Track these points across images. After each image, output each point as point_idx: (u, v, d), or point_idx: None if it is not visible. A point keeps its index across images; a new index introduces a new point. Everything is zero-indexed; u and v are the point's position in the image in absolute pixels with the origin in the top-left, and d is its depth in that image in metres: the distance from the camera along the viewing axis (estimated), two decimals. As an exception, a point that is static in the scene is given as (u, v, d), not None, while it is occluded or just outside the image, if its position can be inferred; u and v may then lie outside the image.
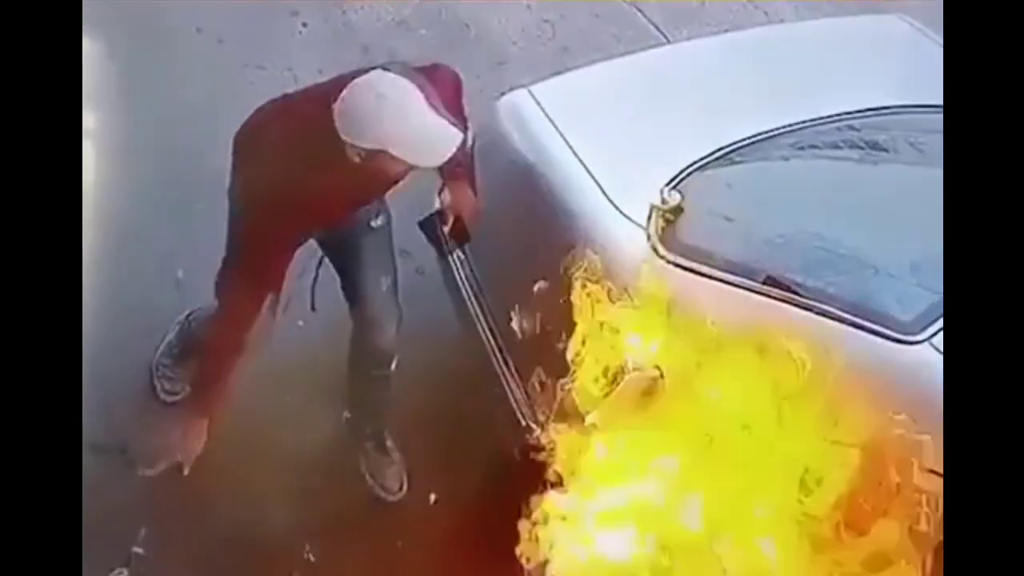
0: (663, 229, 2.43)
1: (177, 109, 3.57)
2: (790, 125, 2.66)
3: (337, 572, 2.85)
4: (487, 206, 2.71)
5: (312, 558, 2.84)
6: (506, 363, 2.73)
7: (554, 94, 2.80)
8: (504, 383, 2.72)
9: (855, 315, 2.20)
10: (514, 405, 2.69)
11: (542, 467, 2.30)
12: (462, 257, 2.80)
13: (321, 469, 2.97)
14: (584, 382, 2.30)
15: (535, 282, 2.49)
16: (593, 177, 2.58)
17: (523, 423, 2.59)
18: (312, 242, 2.67)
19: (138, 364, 3.08)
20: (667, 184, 2.46)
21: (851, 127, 2.66)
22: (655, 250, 2.41)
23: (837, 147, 2.67)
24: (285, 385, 3.06)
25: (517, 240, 2.71)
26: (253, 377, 2.73)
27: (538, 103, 2.77)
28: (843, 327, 2.21)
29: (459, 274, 2.86)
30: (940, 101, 2.70)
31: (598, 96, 2.80)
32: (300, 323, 3.08)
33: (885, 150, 2.67)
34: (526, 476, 2.32)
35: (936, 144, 2.63)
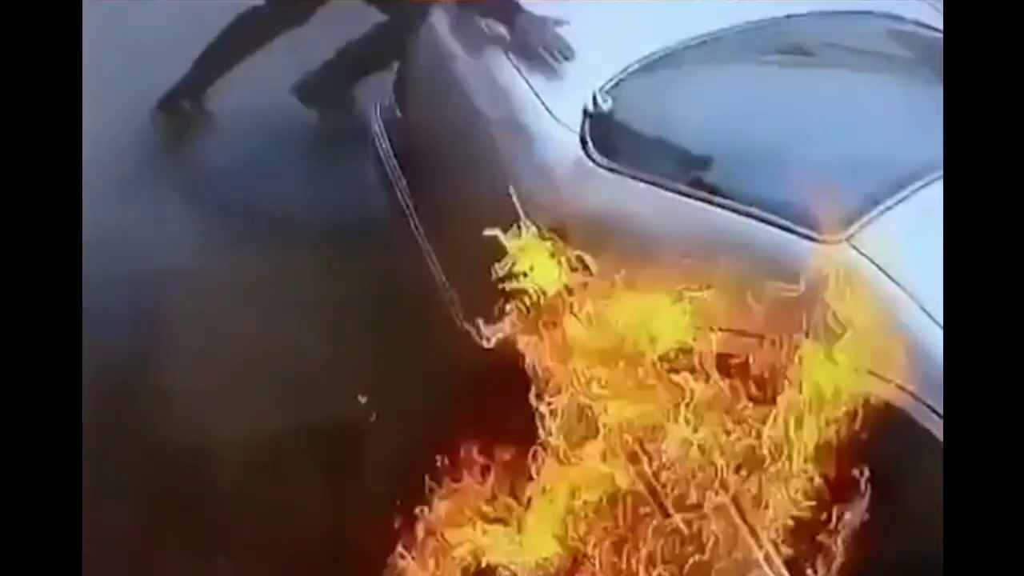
0: (596, 133, 2.47)
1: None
2: (717, 30, 2.69)
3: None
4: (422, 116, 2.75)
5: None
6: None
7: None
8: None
9: (776, 214, 2.24)
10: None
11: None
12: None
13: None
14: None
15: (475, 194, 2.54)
16: (528, 83, 2.61)
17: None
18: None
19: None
20: (599, 89, 2.49)
21: (776, 32, 2.69)
22: (587, 154, 2.45)
23: (763, 52, 2.69)
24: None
25: (453, 151, 2.73)
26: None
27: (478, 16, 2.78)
28: (764, 226, 2.24)
29: (397, 187, 2.91)
30: (861, 7, 2.79)
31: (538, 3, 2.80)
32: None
33: (808, 54, 2.71)
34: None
35: (856, 45, 2.73)
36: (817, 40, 2.76)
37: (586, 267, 2.29)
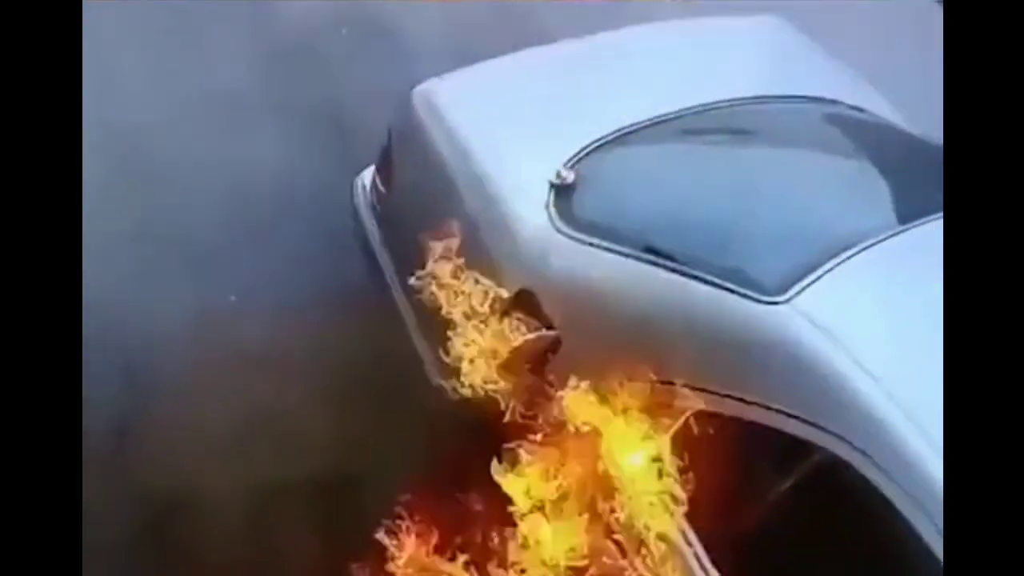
0: (560, 204, 2.66)
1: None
2: (672, 112, 2.90)
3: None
4: (404, 195, 2.92)
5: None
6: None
7: (463, 83, 3.01)
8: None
9: (724, 278, 2.36)
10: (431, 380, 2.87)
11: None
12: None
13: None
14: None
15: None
16: (500, 161, 2.81)
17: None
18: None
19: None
20: (564, 164, 2.68)
21: (722, 115, 2.89)
22: (552, 223, 2.63)
23: (711, 132, 2.90)
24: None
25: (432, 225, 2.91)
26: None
27: (448, 91, 2.98)
28: (713, 290, 2.36)
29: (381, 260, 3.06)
30: (801, 92, 3.02)
31: (505, 84, 3.02)
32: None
33: (749, 134, 2.91)
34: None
35: (798, 127, 2.94)
36: (758, 122, 2.96)
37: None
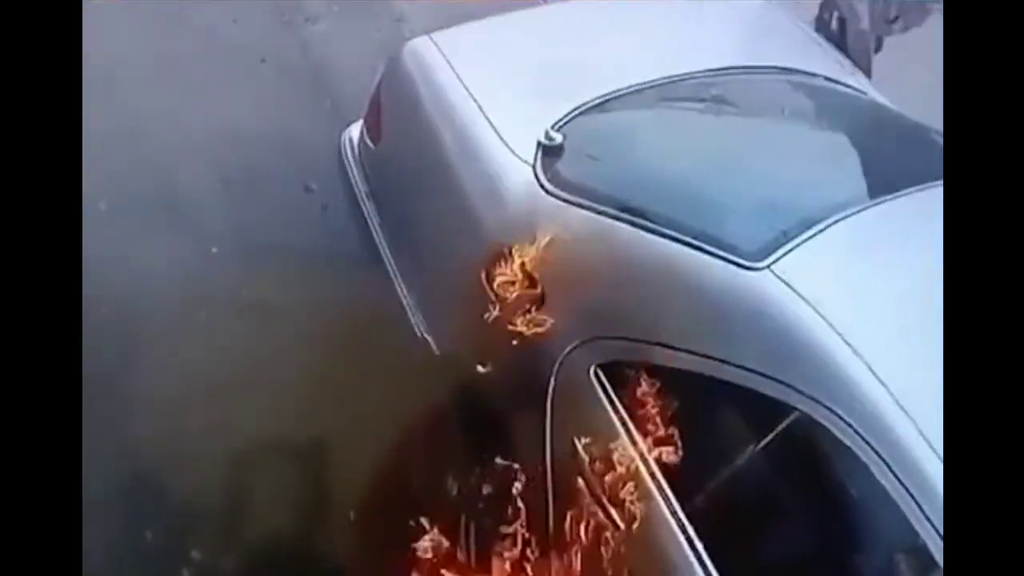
0: (546, 165, 2.62)
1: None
2: (657, 79, 2.87)
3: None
4: (392, 149, 2.86)
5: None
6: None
7: (454, 41, 2.95)
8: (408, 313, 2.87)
9: (704, 241, 2.33)
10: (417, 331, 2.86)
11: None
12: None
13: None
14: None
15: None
16: (488, 119, 2.75)
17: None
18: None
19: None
20: (552, 125, 2.64)
21: (704, 83, 2.86)
22: (539, 182, 2.59)
23: (695, 99, 2.87)
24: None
25: (419, 179, 2.86)
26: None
27: (439, 49, 2.92)
28: (692, 252, 2.33)
29: (367, 211, 3.01)
30: (783, 65, 2.99)
31: (494, 45, 2.97)
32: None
33: (733, 102, 2.87)
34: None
35: (778, 97, 2.91)
36: (739, 92, 2.93)
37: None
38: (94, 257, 2.94)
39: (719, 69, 2.93)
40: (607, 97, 2.80)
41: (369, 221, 3.07)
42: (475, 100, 2.79)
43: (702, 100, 2.91)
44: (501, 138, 2.71)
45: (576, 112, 2.73)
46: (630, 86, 2.84)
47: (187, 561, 2.83)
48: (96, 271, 3.03)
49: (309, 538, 2.88)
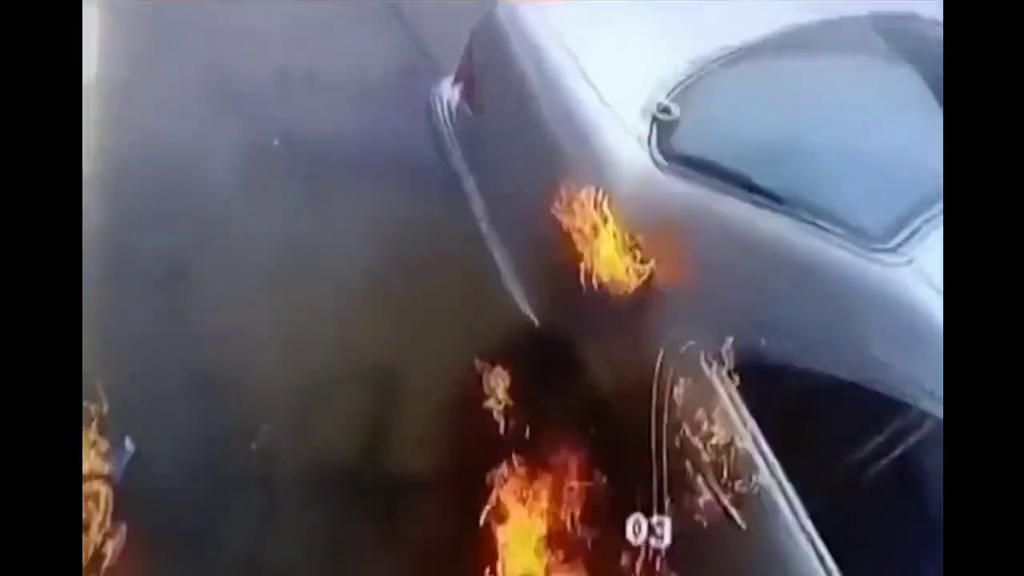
0: (661, 138, 2.46)
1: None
2: (769, 35, 2.66)
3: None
4: (489, 112, 2.72)
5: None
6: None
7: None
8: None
9: (829, 221, 2.21)
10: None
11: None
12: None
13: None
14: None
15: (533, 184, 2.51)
16: (592, 85, 2.58)
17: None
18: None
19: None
20: (666, 95, 2.47)
21: (816, 34, 2.66)
22: (652, 158, 2.44)
23: (819, 49, 2.67)
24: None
25: (516, 144, 2.71)
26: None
27: (535, 8, 2.75)
28: (818, 234, 2.21)
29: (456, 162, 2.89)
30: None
31: (597, 5, 2.77)
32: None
33: (862, 54, 2.67)
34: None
35: (910, 46, 2.69)
36: (852, 42, 2.73)
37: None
38: (165, 152, 3.11)
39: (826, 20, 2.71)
40: (719, 60, 2.61)
41: (461, 178, 2.93)
42: (577, 64, 2.61)
43: (814, 50, 2.70)
44: (608, 109, 2.54)
45: (690, 78, 2.55)
46: (741, 45, 2.64)
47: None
48: (168, 164, 3.19)
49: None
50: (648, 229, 2.37)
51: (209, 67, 3.57)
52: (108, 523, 2.41)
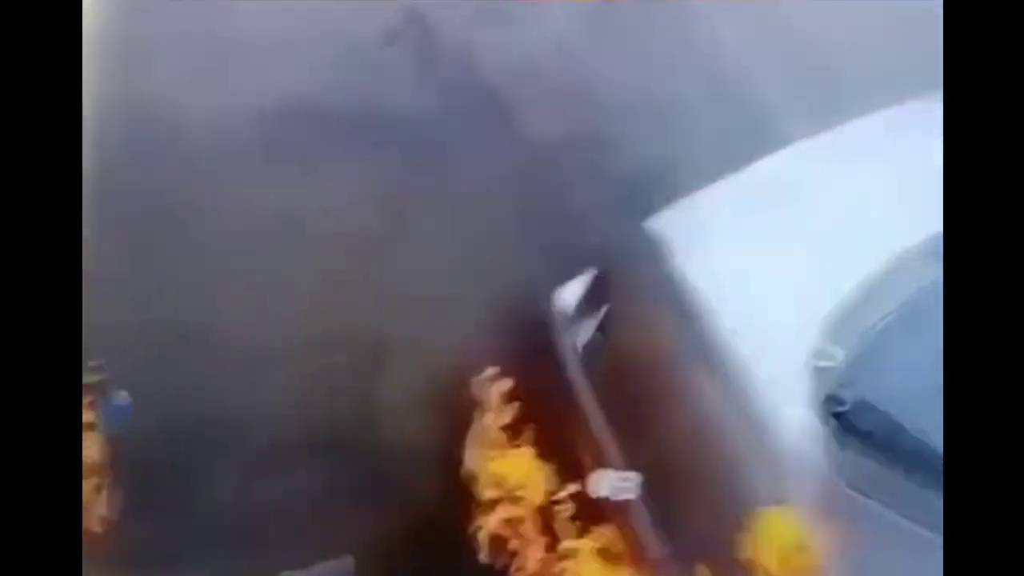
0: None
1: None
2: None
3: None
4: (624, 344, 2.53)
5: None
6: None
7: (695, 220, 2.52)
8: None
9: None
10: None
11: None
12: None
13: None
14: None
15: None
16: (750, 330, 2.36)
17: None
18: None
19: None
20: (838, 384, 2.23)
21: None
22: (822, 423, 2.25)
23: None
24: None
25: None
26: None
27: (682, 231, 2.51)
28: None
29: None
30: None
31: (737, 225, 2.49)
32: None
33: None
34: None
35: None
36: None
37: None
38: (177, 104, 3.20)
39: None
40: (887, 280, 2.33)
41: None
42: (732, 302, 2.37)
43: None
44: (770, 363, 2.30)
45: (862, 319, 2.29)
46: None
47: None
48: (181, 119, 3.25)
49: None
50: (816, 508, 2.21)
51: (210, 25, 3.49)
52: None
